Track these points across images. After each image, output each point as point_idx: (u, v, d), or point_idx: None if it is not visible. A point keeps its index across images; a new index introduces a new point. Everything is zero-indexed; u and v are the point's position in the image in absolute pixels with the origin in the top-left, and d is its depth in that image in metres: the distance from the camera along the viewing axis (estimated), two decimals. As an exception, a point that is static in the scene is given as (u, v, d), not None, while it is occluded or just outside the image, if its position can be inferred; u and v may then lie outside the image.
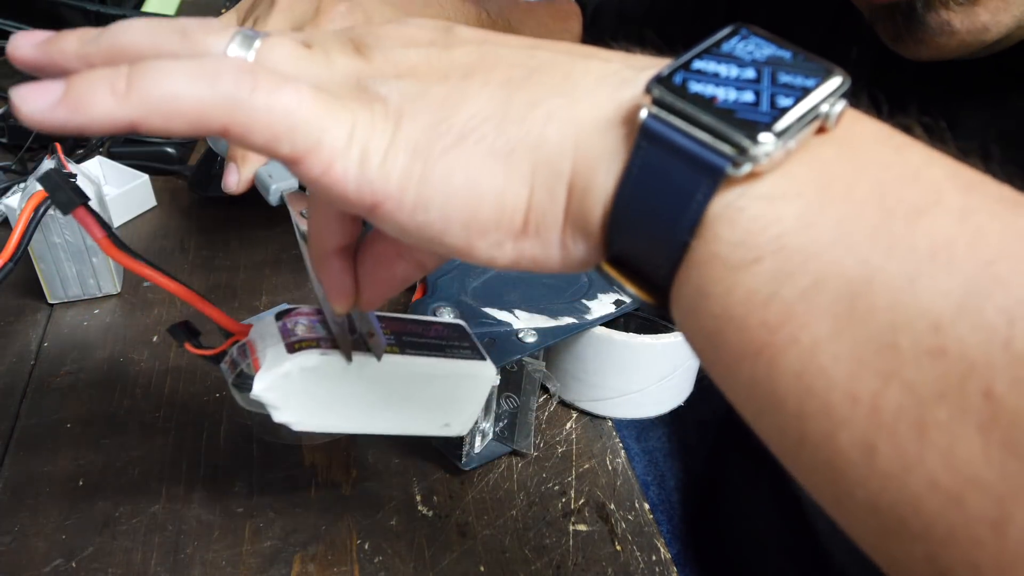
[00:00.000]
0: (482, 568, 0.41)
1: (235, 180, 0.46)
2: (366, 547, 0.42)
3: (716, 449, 0.73)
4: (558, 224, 0.23)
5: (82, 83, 0.22)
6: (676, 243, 0.21)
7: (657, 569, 0.41)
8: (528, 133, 0.23)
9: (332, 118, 0.23)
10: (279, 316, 0.36)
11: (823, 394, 0.19)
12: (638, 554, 0.42)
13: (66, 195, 0.32)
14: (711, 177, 0.20)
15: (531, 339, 0.44)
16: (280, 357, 0.34)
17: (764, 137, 0.20)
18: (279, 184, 0.45)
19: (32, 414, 0.48)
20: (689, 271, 0.21)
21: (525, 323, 0.45)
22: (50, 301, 0.56)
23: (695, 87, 0.21)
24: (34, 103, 0.22)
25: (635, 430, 0.71)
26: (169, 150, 0.71)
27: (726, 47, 0.22)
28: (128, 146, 0.72)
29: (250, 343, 0.36)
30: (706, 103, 0.21)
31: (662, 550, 0.42)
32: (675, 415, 0.52)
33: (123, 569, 0.40)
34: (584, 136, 0.22)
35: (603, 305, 0.48)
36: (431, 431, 0.39)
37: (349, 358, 0.34)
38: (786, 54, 0.22)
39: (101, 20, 0.91)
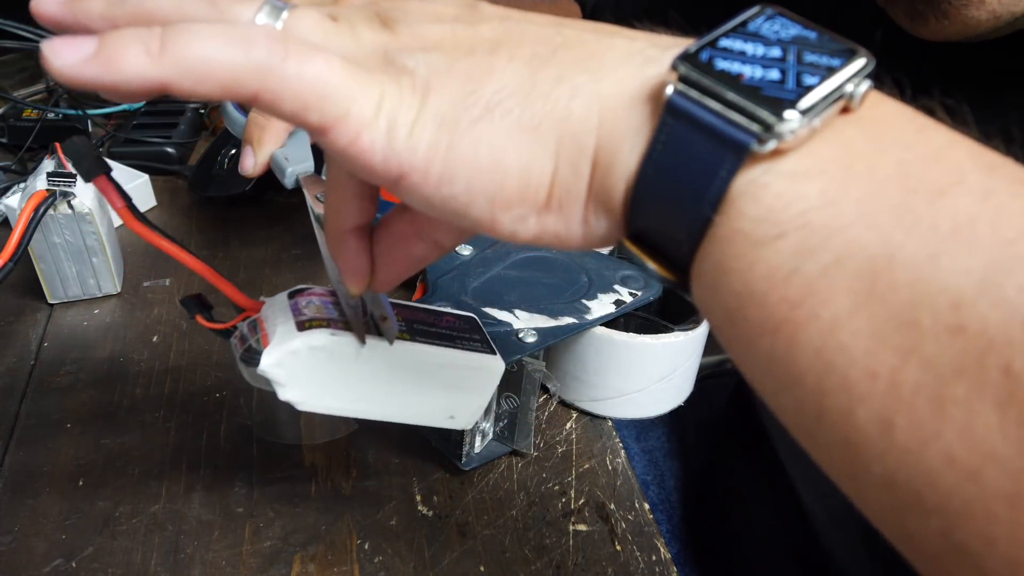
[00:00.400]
0: (482, 568, 0.41)
1: (251, 163, 0.47)
2: (366, 547, 0.42)
3: (716, 449, 0.73)
4: (581, 199, 0.23)
5: (115, 41, 0.22)
6: (699, 219, 0.21)
7: (657, 569, 0.41)
8: (554, 108, 0.23)
9: (361, 89, 0.23)
10: (292, 295, 0.36)
11: (842, 370, 0.19)
12: (638, 554, 0.42)
13: (89, 163, 0.32)
14: (736, 153, 0.20)
15: (531, 339, 0.44)
16: (289, 334, 0.34)
17: (789, 114, 0.20)
18: (295, 167, 0.45)
19: (32, 414, 0.48)
20: (711, 247, 0.22)
21: (525, 323, 0.45)
22: (50, 301, 0.56)
23: (721, 64, 0.21)
24: (66, 57, 0.22)
25: (635, 430, 0.71)
26: (169, 150, 0.71)
27: (752, 26, 0.22)
28: (128, 146, 0.72)
29: (260, 319, 0.36)
30: (732, 80, 0.21)
31: (662, 550, 0.42)
32: (675, 415, 0.52)
33: (123, 569, 0.40)
34: (609, 112, 0.22)
35: (603, 305, 0.48)
36: (435, 422, 0.39)
37: (363, 340, 0.34)
38: (812, 34, 0.22)
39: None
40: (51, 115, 0.74)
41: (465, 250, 0.51)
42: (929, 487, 0.18)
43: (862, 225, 0.19)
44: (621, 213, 0.23)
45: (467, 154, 0.23)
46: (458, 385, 0.38)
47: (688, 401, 0.52)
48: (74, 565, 0.40)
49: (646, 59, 0.23)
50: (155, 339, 0.54)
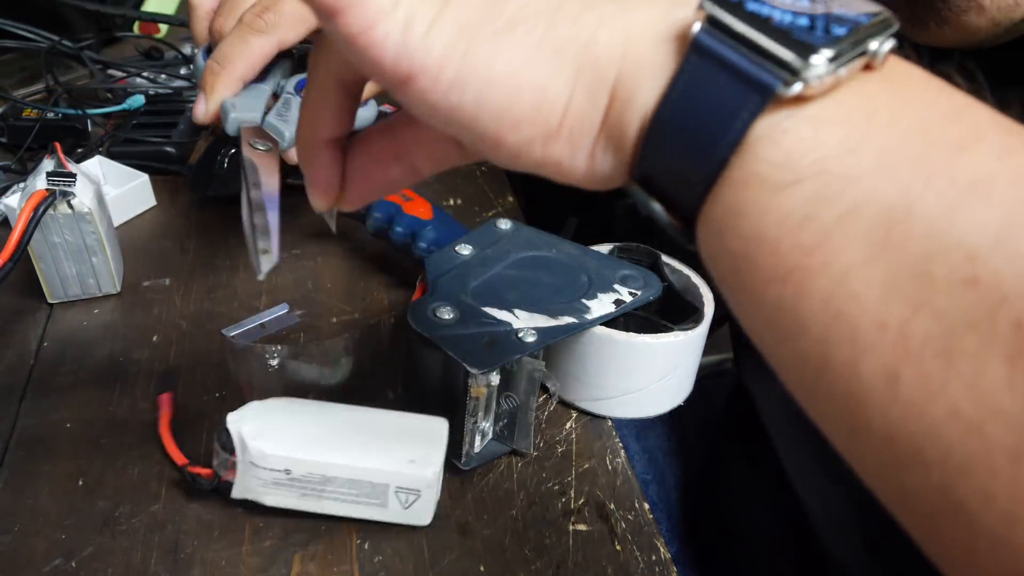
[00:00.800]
0: (482, 568, 0.41)
1: (202, 109, 0.47)
2: (366, 547, 0.42)
3: (715, 448, 0.73)
4: (593, 131, 0.23)
5: None
6: (714, 160, 0.21)
7: (657, 569, 0.41)
8: (579, 33, 0.22)
9: None
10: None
11: (851, 320, 0.19)
12: (638, 554, 0.42)
13: None
14: (760, 95, 0.20)
15: (531, 339, 0.44)
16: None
17: (817, 59, 0.20)
18: (240, 114, 0.45)
19: (32, 414, 0.48)
20: (723, 190, 0.21)
21: (525, 323, 0.45)
22: (50, 301, 0.56)
23: (751, 6, 0.21)
24: None
25: (634, 429, 0.71)
26: (169, 150, 0.71)
27: None
28: (128, 146, 0.72)
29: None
30: (761, 22, 0.21)
31: (662, 550, 0.42)
32: (674, 414, 0.52)
33: (123, 569, 0.40)
34: (634, 46, 0.22)
35: (603, 305, 0.48)
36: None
37: (259, 271, 0.34)
38: None
39: (101, 20, 0.91)
40: (51, 115, 0.74)
41: (465, 250, 0.51)
42: (931, 441, 0.18)
43: (881, 175, 0.19)
44: (631, 151, 0.23)
45: (483, 64, 0.22)
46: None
47: (688, 400, 0.52)
48: (74, 565, 0.40)
49: (675, 0, 0.23)
50: (155, 339, 0.54)
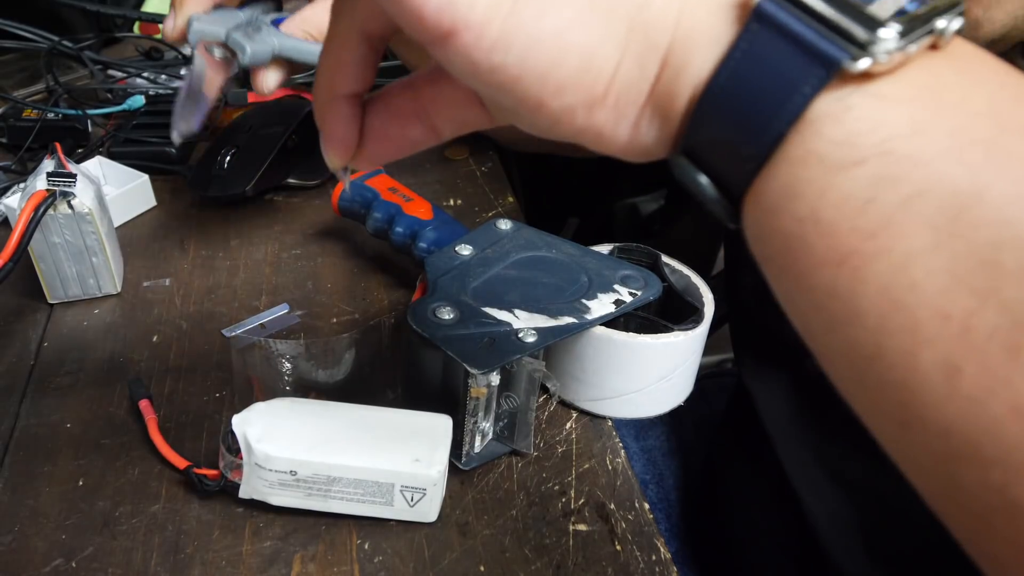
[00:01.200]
0: (482, 568, 0.41)
1: (170, 25, 0.46)
2: (366, 547, 0.42)
3: (715, 449, 0.73)
4: (640, 100, 0.22)
5: None
6: (770, 135, 0.20)
7: (657, 569, 0.41)
8: None
9: None
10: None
11: (911, 309, 0.18)
12: (638, 554, 0.42)
13: None
14: (824, 68, 0.19)
15: (531, 339, 0.44)
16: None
17: (886, 34, 0.19)
18: (202, 26, 0.45)
19: (32, 414, 0.48)
20: (778, 167, 0.20)
21: (525, 323, 0.45)
22: (50, 301, 0.56)
23: None
24: None
25: (633, 429, 0.71)
26: (169, 150, 0.71)
27: None
28: (128, 146, 0.72)
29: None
30: None
31: (662, 550, 0.42)
32: (673, 415, 0.52)
33: (123, 569, 0.40)
34: (690, 11, 0.21)
35: (603, 305, 0.48)
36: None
37: (175, 143, 0.40)
38: None
39: (101, 20, 0.91)
40: (51, 115, 0.74)
41: (465, 250, 0.51)
42: (991, 438, 0.17)
43: (951, 158, 0.18)
44: (679, 123, 0.22)
45: (530, 23, 0.21)
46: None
47: (688, 401, 0.52)
48: (74, 565, 0.40)
49: None
50: (155, 339, 0.54)
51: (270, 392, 0.44)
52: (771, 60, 0.20)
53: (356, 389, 0.49)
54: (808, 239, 0.20)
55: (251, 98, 0.75)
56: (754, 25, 0.20)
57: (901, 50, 0.19)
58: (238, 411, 0.41)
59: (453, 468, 0.45)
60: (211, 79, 0.43)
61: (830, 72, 0.19)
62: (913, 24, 0.19)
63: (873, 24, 0.19)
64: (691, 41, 0.21)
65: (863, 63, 0.19)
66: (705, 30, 0.21)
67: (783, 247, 0.21)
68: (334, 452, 0.41)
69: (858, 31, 0.19)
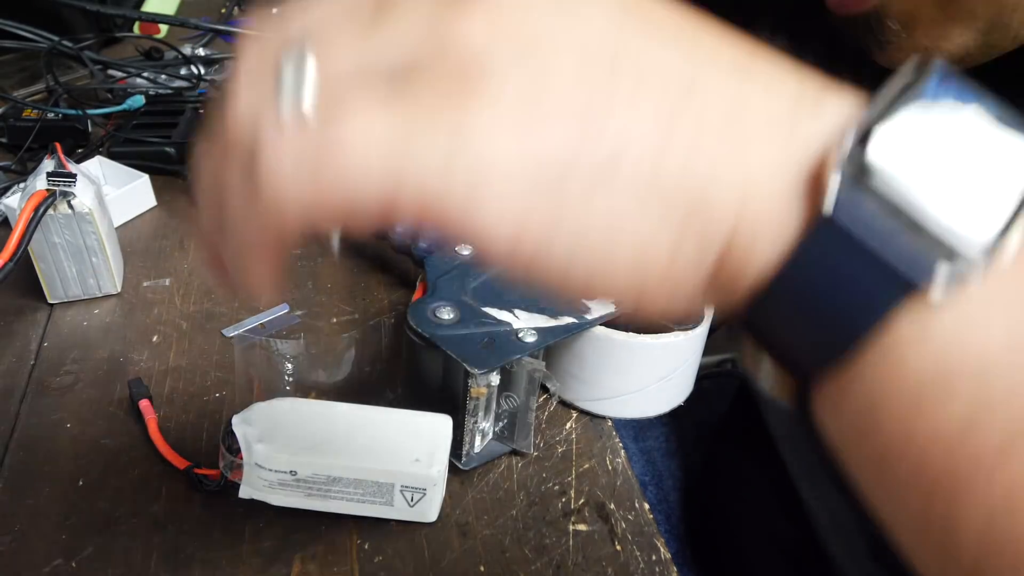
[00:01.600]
0: (482, 568, 0.41)
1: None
2: (366, 547, 0.42)
3: (714, 449, 0.73)
4: (696, 286, 0.19)
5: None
6: (842, 346, 0.18)
7: (657, 569, 0.41)
8: (689, 179, 0.18)
9: None
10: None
11: (1013, 546, 0.16)
12: (638, 554, 0.42)
13: None
14: (903, 291, 0.17)
15: (531, 339, 0.44)
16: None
17: (1001, 241, 0.16)
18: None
19: (32, 414, 0.48)
20: (853, 375, 0.18)
21: (525, 323, 0.45)
22: (50, 301, 0.56)
23: (913, 112, 0.17)
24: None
25: (633, 430, 0.71)
26: (169, 150, 0.71)
27: (928, 92, 0.17)
28: (128, 146, 0.72)
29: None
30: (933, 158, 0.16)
31: (662, 550, 0.42)
32: (673, 415, 0.52)
33: (123, 569, 0.40)
34: (753, 192, 0.18)
35: (603, 305, 0.48)
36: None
37: None
38: (990, 105, 0.17)
39: (101, 20, 0.91)
40: (51, 115, 0.74)
41: (465, 250, 0.51)
42: None
43: None
44: (739, 304, 0.19)
45: (576, 213, 0.18)
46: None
47: (687, 401, 0.52)
48: (74, 565, 0.40)
49: (794, 125, 0.18)
50: (155, 339, 0.54)
51: (270, 392, 0.44)
52: (844, 272, 0.17)
53: (356, 389, 0.49)
54: (892, 452, 0.18)
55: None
56: (823, 229, 0.17)
57: (1004, 251, 0.16)
58: (238, 411, 0.41)
59: (453, 468, 0.45)
60: None
61: (909, 292, 0.17)
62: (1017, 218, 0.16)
63: (982, 226, 0.16)
64: (755, 229, 0.18)
65: (952, 284, 0.17)
66: (768, 220, 0.18)
67: (856, 440, 0.19)
68: (334, 452, 0.41)
69: (963, 241, 0.16)
